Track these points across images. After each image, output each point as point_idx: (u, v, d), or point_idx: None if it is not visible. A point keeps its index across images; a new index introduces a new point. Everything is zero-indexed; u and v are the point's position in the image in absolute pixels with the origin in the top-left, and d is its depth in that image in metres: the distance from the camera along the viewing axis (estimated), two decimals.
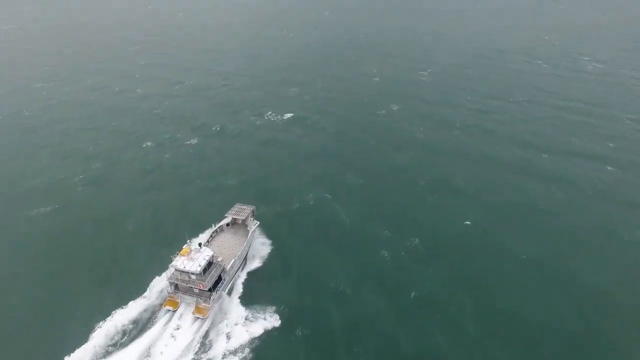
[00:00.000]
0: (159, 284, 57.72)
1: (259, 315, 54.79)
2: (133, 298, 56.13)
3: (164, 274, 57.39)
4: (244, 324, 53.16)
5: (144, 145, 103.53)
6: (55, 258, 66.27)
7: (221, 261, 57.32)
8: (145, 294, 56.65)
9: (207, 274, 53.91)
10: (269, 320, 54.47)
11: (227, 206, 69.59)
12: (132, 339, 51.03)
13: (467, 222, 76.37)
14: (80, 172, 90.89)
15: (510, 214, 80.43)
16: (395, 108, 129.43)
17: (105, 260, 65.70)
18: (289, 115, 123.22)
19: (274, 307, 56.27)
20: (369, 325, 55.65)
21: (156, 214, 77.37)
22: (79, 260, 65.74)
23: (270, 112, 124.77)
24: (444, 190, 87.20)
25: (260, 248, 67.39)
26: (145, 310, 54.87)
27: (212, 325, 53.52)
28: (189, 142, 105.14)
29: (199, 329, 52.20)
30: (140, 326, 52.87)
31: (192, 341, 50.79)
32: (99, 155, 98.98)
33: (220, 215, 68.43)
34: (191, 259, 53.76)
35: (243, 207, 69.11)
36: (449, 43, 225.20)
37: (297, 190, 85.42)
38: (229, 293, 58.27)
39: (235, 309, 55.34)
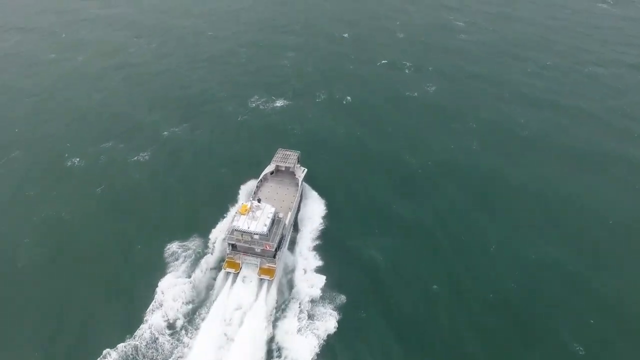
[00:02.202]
0: None
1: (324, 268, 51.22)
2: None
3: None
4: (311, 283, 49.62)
5: (69, 164, 69.45)
6: None
7: (282, 217, 52.18)
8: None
9: (271, 233, 49.35)
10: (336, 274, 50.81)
11: None
12: (199, 305, 47.88)
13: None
14: None
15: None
16: (432, 88, 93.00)
17: None
18: (282, 100, 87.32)
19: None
20: None
21: None
22: None
23: (256, 97, 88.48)
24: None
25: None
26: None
27: (280, 285, 50.28)
28: (136, 158, 70.83)
29: (269, 291, 47.95)
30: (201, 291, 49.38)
31: (266, 305, 46.49)
32: None
33: None
34: (253, 217, 48.91)
35: (288, 152, 62.34)
36: None
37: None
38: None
39: (298, 265, 52.02)
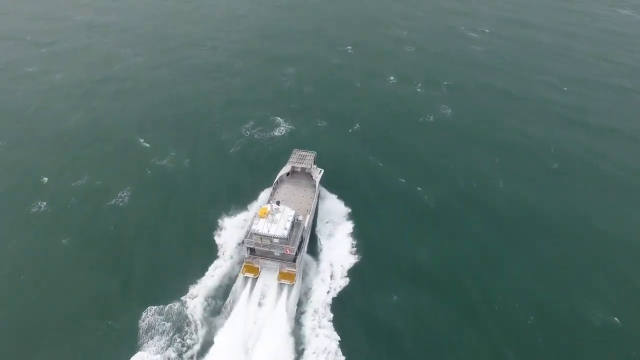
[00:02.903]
0: None
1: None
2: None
3: None
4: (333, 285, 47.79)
5: (34, 210, 59.41)
6: None
7: (301, 219, 50.17)
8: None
9: (291, 236, 47.28)
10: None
11: None
12: (218, 314, 45.00)
13: None
14: None
15: None
16: (448, 111, 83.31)
17: None
18: (281, 125, 77.86)
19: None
20: None
21: None
22: None
23: (252, 122, 78.89)
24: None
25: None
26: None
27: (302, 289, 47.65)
28: (113, 202, 61.02)
29: (289, 297, 45.17)
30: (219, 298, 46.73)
31: (287, 311, 43.73)
32: None
33: None
34: (272, 220, 46.83)
35: (304, 153, 61.25)
36: None
37: None
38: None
39: (320, 269, 49.83)
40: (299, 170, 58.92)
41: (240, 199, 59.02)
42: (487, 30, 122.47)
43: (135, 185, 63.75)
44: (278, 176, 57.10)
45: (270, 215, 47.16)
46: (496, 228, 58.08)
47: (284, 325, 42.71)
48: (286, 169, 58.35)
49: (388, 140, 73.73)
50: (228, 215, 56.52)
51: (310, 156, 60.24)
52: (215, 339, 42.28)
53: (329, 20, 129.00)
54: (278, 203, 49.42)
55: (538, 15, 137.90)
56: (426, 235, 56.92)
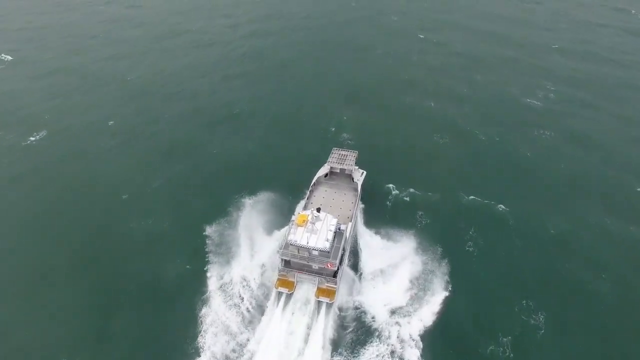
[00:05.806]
0: None
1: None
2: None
3: None
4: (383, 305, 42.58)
5: None
6: None
7: (343, 229, 45.32)
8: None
9: (332, 249, 42.80)
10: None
11: None
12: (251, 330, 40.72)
13: None
14: None
15: None
16: (541, 317, 44.59)
17: None
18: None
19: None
20: None
21: None
22: None
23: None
24: None
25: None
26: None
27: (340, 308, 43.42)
28: None
29: (328, 316, 41.12)
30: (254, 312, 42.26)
31: (327, 333, 39.91)
32: None
33: None
34: (312, 230, 42.50)
35: (344, 152, 56.85)
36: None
37: None
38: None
39: (362, 283, 45.20)
40: (338, 171, 54.95)
41: None
42: (551, 94, 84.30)
43: None
44: (315, 178, 53.17)
45: (309, 224, 42.32)
46: None
47: (323, 350, 38.13)
48: (324, 169, 54.45)
49: None
50: None
51: (351, 156, 56.16)
52: None
53: (318, 85, 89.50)
54: (318, 210, 44.34)
55: (613, 48, 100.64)
56: None
